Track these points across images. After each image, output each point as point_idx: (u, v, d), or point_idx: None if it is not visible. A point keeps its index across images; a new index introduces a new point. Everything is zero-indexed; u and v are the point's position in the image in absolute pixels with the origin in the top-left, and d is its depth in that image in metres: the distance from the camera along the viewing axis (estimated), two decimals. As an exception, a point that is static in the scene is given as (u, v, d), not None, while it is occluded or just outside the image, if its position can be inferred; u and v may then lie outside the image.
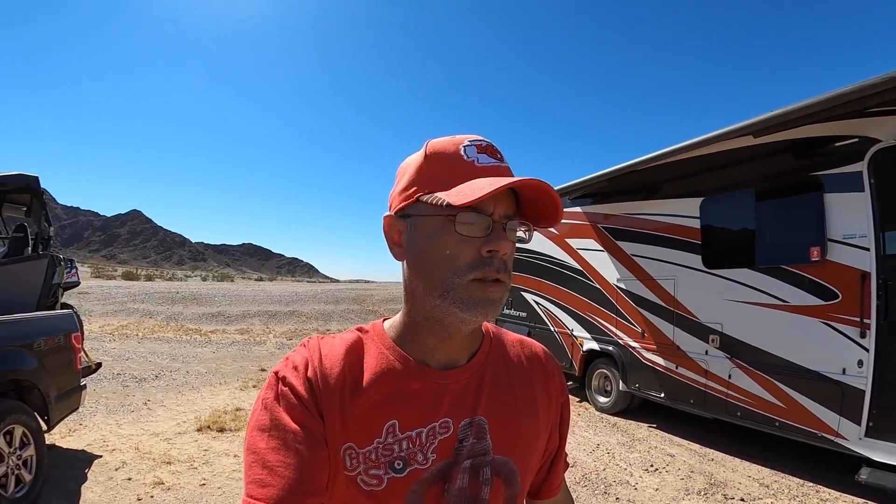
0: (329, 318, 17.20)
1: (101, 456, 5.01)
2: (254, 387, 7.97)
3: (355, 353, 0.82)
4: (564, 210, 7.12)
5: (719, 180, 5.15)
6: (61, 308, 6.34)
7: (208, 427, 5.79)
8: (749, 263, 4.79)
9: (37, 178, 6.12)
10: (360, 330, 0.86)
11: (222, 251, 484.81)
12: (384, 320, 0.89)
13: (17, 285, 5.64)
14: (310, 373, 0.77)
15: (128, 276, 44.91)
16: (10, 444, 3.76)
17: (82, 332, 7.23)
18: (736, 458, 5.01)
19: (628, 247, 6.16)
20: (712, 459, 5.01)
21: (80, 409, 5.22)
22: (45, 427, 4.23)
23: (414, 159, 0.79)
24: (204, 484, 4.40)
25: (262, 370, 9.40)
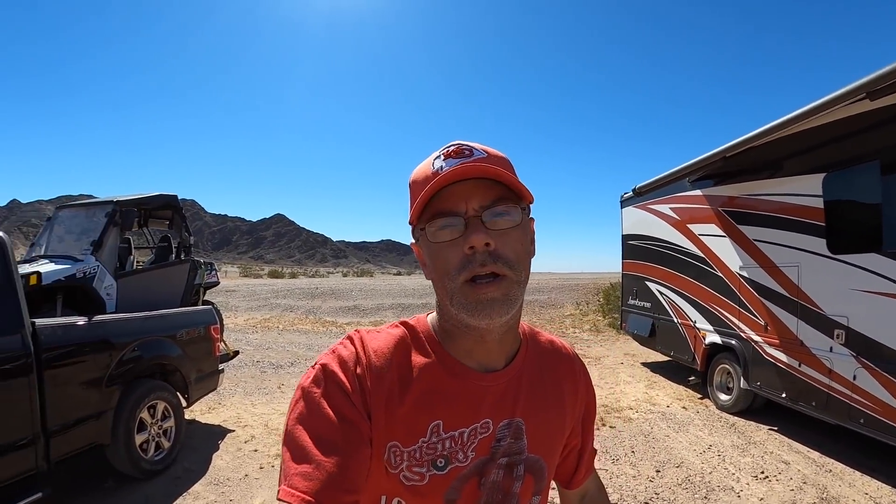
0: None
1: (233, 430, 5.88)
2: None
3: (403, 350, 0.85)
4: (686, 194, 7.03)
5: (840, 153, 4.74)
6: (203, 304, 7.39)
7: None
8: (876, 247, 4.36)
9: (175, 196, 7.34)
10: (404, 324, 0.90)
11: (362, 248, 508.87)
12: (429, 314, 0.93)
13: (165, 286, 6.78)
14: (359, 369, 0.80)
15: (273, 275, 48.80)
16: (153, 416, 4.66)
17: (221, 325, 8.34)
18: (856, 472, 4.64)
19: (749, 231, 5.87)
20: (830, 471, 4.69)
21: (219, 390, 6.20)
22: (184, 403, 5.14)
23: (418, 170, 0.85)
24: None
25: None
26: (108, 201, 6.87)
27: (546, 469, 0.94)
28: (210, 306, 5.99)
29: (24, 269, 5.92)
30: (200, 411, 6.58)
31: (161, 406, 4.73)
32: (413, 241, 0.86)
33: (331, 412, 0.75)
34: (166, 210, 7.83)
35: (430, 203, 0.79)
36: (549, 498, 1.05)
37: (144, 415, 4.54)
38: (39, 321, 3.73)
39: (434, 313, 0.91)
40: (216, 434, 5.76)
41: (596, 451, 1.13)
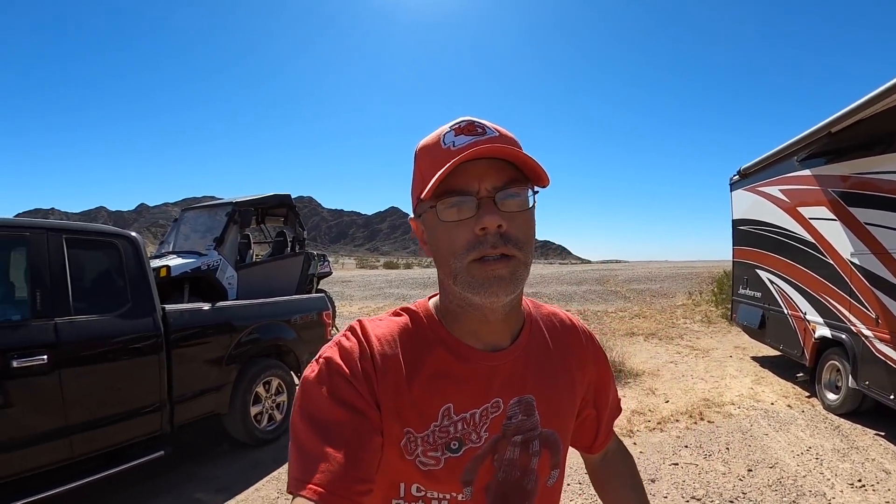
0: (570, 299, 17.29)
1: None
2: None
3: (407, 336, 0.85)
4: (794, 174, 6.51)
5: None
6: (317, 293, 8.00)
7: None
8: None
9: (288, 195, 8.02)
10: (406, 310, 0.89)
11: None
12: (430, 298, 0.92)
13: (281, 276, 7.45)
14: (363, 359, 0.79)
15: (388, 266, 50.40)
16: (267, 391, 5.25)
17: (334, 312, 8.90)
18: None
19: (860, 213, 5.31)
20: (935, 485, 4.18)
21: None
22: (297, 381, 5.47)
23: (426, 144, 0.83)
24: None
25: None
26: (227, 202, 7.69)
27: (560, 442, 0.94)
28: (323, 294, 6.42)
29: (155, 263, 6.65)
30: None
31: (275, 382, 5.34)
32: (413, 216, 0.86)
33: (336, 403, 0.74)
34: (281, 208, 8.61)
35: (442, 180, 0.76)
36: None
37: (260, 389, 5.15)
38: (169, 307, 4.39)
39: (436, 297, 0.91)
40: None
41: (621, 409, 1.15)
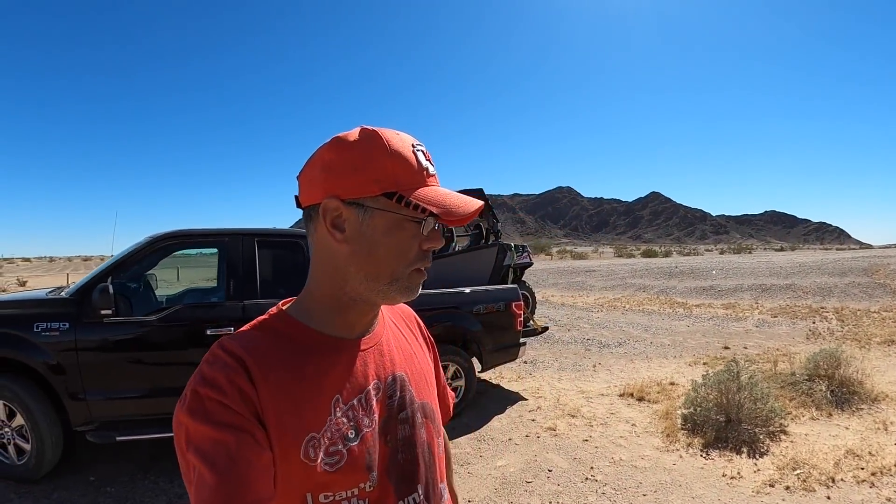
0: (829, 293, 14.76)
1: (526, 399, 6.33)
2: (704, 363, 7.91)
3: (278, 343, 0.85)
4: None
5: None
6: (515, 284, 8.06)
7: (630, 394, 6.23)
8: None
9: (481, 189, 8.19)
10: (263, 322, 0.89)
11: (744, 222, 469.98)
12: (281, 308, 0.92)
13: (472, 267, 7.64)
14: (237, 377, 0.78)
15: (647, 254, 48.41)
16: (444, 374, 5.35)
17: (532, 303, 8.86)
18: None
19: None
20: None
21: (534, 362, 7.85)
22: (479, 368, 5.91)
23: (369, 150, 0.81)
24: (586, 440, 4.98)
25: (726, 348, 9.13)
26: None
27: (435, 411, 1.02)
28: (515, 286, 6.46)
29: None
30: (509, 379, 7.30)
31: (453, 368, 5.56)
32: (341, 198, 0.82)
33: (214, 428, 0.73)
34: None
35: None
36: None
37: None
38: None
39: (293, 304, 0.93)
40: (509, 400, 6.30)
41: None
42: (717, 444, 4.67)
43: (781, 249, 79.84)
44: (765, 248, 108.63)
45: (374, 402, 0.88)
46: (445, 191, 0.84)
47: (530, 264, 9.83)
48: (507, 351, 6.08)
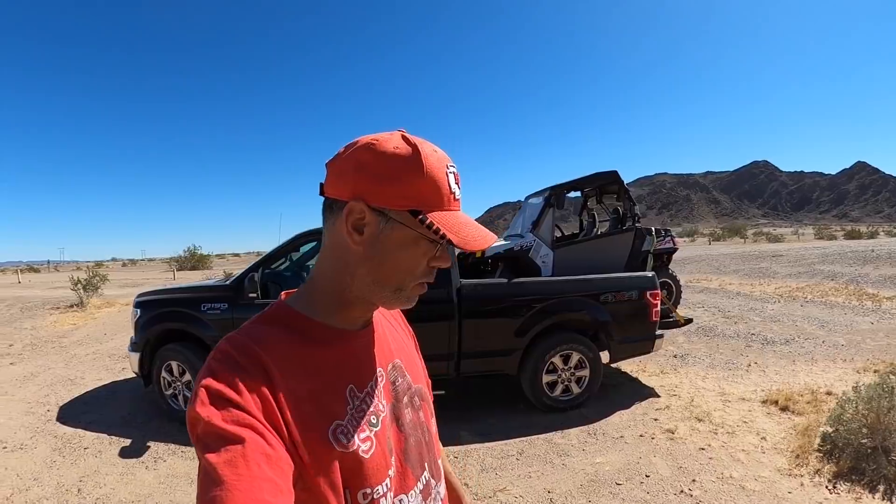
0: None
1: (659, 396, 6.10)
2: (875, 371, 6.91)
3: (289, 337, 0.86)
4: None
5: None
6: (655, 270, 7.76)
7: (774, 401, 5.75)
8: None
9: (614, 172, 7.95)
10: (271, 317, 0.90)
11: None
12: (282, 302, 0.94)
13: (606, 254, 7.42)
14: (250, 377, 0.77)
15: (851, 236, 43.36)
16: (566, 363, 5.58)
17: (677, 291, 8.41)
18: None
19: None
20: None
21: (685, 356, 7.75)
22: (607, 359, 5.83)
23: (406, 164, 0.81)
24: (703, 449, 4.70)
25: (919, 351, 7.98)
26: (548, 188, 8.02)
27: (428, 394, 1.09)
28: (652, 273, 6.21)
29: (492, 246, 7.56)
30: (650, 373, 7.12)
31: (576, 356, 5.56)
32: (367, 203, 0.83)
33: (227, 427, 0.71)
34: (613, 185, 8.46)
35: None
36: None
37: (556, 360, 5.51)
38: (466, 281, 5.47)
39: (295, 298, 0.94)
40: (641, 395, 6.15)
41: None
42: (851, 474, 4.13)
43: None
44: None
45: (382, 389, 0.93)
46: (466, 219, 0.87)
47: (674, 250, 9.25)
48: (640, 343, 5.90)
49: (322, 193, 0.90)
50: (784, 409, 5.57)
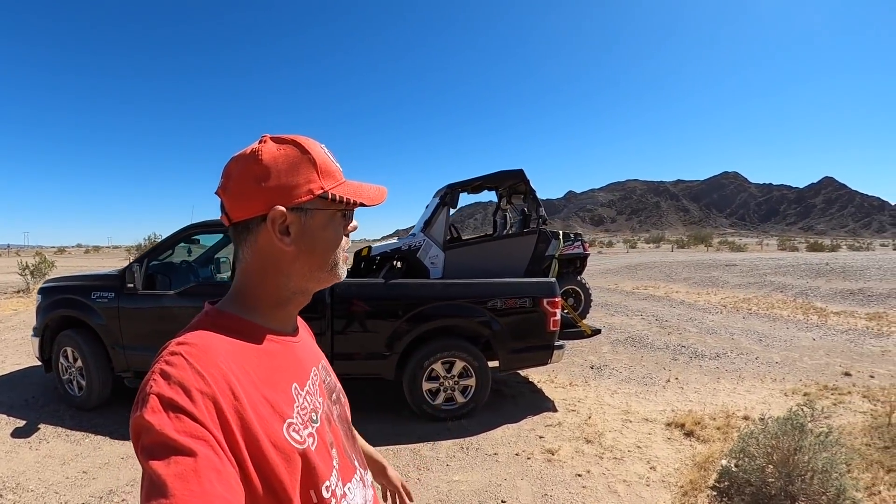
0: None
1: (555, 411, 5.68)
2: (805, 394, 6.50)
3: (236, 343, 0.87)
4: None
5: None
6: (557, 276, 7.27)
7: (680, 425, 5.29)
8: None
9: (520, 170, 7.49)
10: (213, 323, 0.90)
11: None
12: (214, 308, 0.95)
13: (504, 257, 6.94)
14: (200, 381, 0.76)
15: (813, 248, 44.48)
16: (449, 371, 5.26)
17: (587, 300, 7.96)
18: None
19: None
20: None
21: (600, 367, 7.49)
22: (490, 366, 5.47)
23: (297, 159, 0.90)
24: (580, 475, 4.22)
25: (846, 374, 7.46)
26: (445, 186, 7.57)
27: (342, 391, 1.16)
28: (552, 280, 5.76)
29: (380, 244, 7.44)
30: (557, 384, 6.76)
31: (460, 364, 5.27)
32: (286, 207, 0.89)
33: (178, 437, 0.69)
34: (521, 185, 7.98)
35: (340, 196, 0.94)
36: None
37: (437, 367, 5.20)
38: (343, 280, 4.78)
39: (229, 303, 0.96)
40: (536, 408, 5.77)
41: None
42: (745, 521, 3.56)
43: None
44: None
45: (318, 387, 0.99)
46: (358, 183, 0.99)
47: (583, 255, 8.62)
48: (535, 353, 5.50)
49: (230, 223, 0.92)
50: (689, 434, 5.09)
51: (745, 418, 5.45)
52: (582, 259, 8.52)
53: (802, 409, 4.12)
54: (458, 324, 5.33)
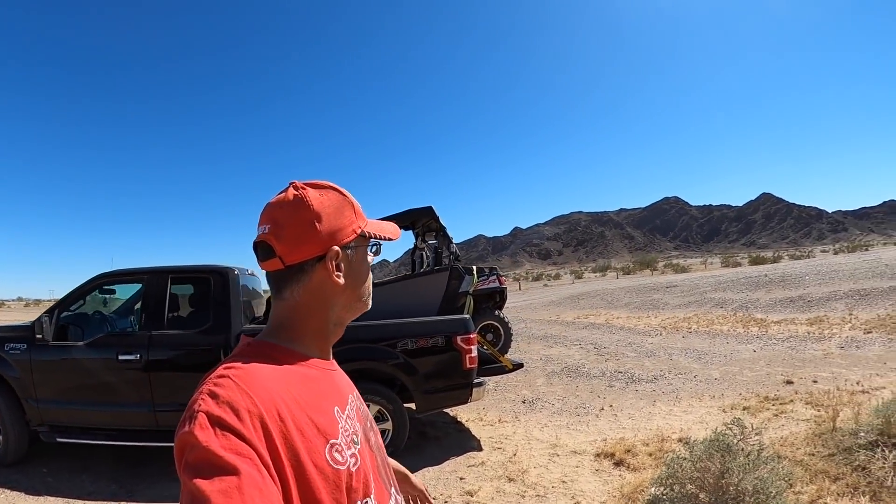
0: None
1: (480, 450, 5.42)
2: (745, 408, 6.27)
3: (282, 370, 0.90)
4: None
5: None
6: (471, 313, 7.02)
7: (610, 454, 4.92)
8: None
9: (429, 207, 7.34)
10: (257, 352, 0.93)
11: (862, 216, 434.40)
12: (255, 339, 0.99)
13: (417, 295, 6.64)
14: (257, 406, 0.77)
15: (755, 262, 45.67)
16: None
17: (507, 335, 7.74)
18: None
19: None
20: None
21: (533, 401, 7.25)
22: (409, 409, 5.31)
23: (341, 203, 1.01)
24: None
25: (788, 383, 7.34)
26: None
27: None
28: (465, 316, 5.48)
29: None
30: (487, 421, 6.46)
31: (375, 408, 5.04)
32: (340, 247, 0.98)
33: (225, 455, 0.70)
34: (432, 222, 7.82)
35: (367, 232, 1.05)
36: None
37: None
38: (249, 326, 5.36)
39: (271, 334, 1.00)
40: (460, 448, 5.50)
41: None
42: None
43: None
44: (885, 243, 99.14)
45: (355, 413, 1.01)
46: (378, 221, 1.11)
47: (499, 289, 8.41)
48: (453, 392, 5.22)
49: (284, 266, 0.96)
50: (619, 463, 4.75)
51: (681, 440, 5.14)
52: (500, 293, 8.31)
53: (731, 428, 3.86)
54: (368, 367, 5.11)
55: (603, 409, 6.68)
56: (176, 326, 5.31)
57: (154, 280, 5.40)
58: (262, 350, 0.93)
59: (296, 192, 0.97)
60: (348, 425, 0.93)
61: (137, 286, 6.01)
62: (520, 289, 44.48)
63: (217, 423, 0.73)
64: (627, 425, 5.92)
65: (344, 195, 1.01)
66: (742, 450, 3.53)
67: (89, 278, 5.73)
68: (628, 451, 4.90)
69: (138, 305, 6.40)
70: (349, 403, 1.00)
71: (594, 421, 6.19)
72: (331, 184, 1.02)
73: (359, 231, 1.01)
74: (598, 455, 4.95)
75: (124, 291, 6.56)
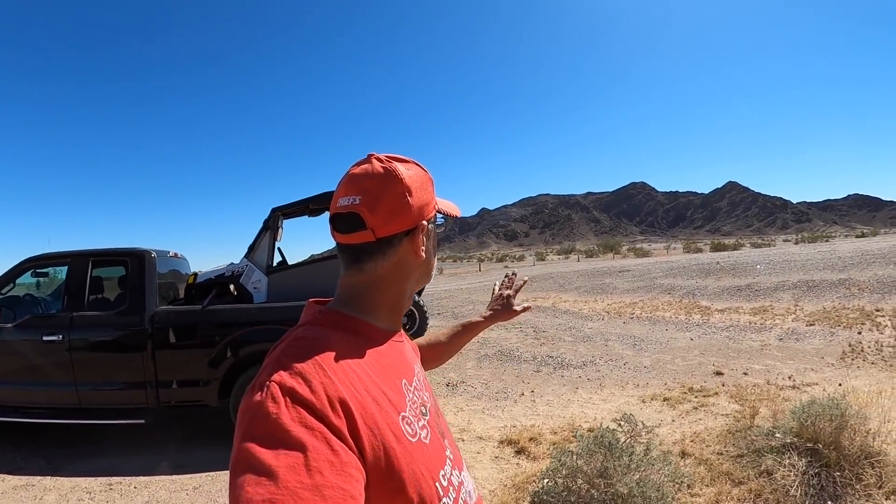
0: (891, 290, 12.63)
1: None
2: (665, 399, 6.28)
3: (353, 341, 0.90)
4: None
5: None
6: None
7: (514, 441, 4.90)
8: None
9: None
10: (330, 322, 0.93)
11: (826, 208, 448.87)
12: (326, 308, 0.99)
13: (326, 279, 6.82)
14: (331, 381, 0.77)
15: (717, 248, 46.84)
16: None
17: (422, 320, 7.90)
18: None
19: None
20: None
21: (457, 385, 7.37)
22: None
23: (424, 179, 1.01)
24: None
25: (718, 374, 7.43)
26: (270, 210, 7.83)
27: None
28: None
29: (206, 271, 7.65)
30: None
31: None
32: (425, 222, 1.00)
33: (293, 427, 0.69)
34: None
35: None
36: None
37: None
38: (162, 308, 5.52)
39: (341, 304, 0.99)
40: None
41: None
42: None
43: (863, 235, 73.95)
44: (846, 235, 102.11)
45: (423, 383, 1.03)
46: (443, 199, 1.12)
47: None
48: None
49: (375, 239, 0.95)
50: (520, 451, 4.74)
51: (591, 430, 5.15)
52: None
53: (620, 424, 3.86)
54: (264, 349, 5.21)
55: (523, 394, 6.69)
56: (96, 308, 5.56)
57: (76, 263, 5.61)
58: (334, 319, 0.94)
59: (383, 165, 0.96)
60: (416, 396, 0.93)
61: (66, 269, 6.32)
62: (479, 270, 44.57)
63: (289, 393, 0.73)
64: (542, 412, 5.92)
65: (425, 170, 1.03)
66: (627, 449, 3.50)
67: (19, 262, 5.96)
68: (532, 439, 4.88)
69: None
70: (416, 374, 1.00)
71: (511, 406, 6.18)
72: (410, 158, 1.02)
73: (437, 207, 1.04)
74: (501, 442, 4.93)
75: (62, 275, 6.56)
